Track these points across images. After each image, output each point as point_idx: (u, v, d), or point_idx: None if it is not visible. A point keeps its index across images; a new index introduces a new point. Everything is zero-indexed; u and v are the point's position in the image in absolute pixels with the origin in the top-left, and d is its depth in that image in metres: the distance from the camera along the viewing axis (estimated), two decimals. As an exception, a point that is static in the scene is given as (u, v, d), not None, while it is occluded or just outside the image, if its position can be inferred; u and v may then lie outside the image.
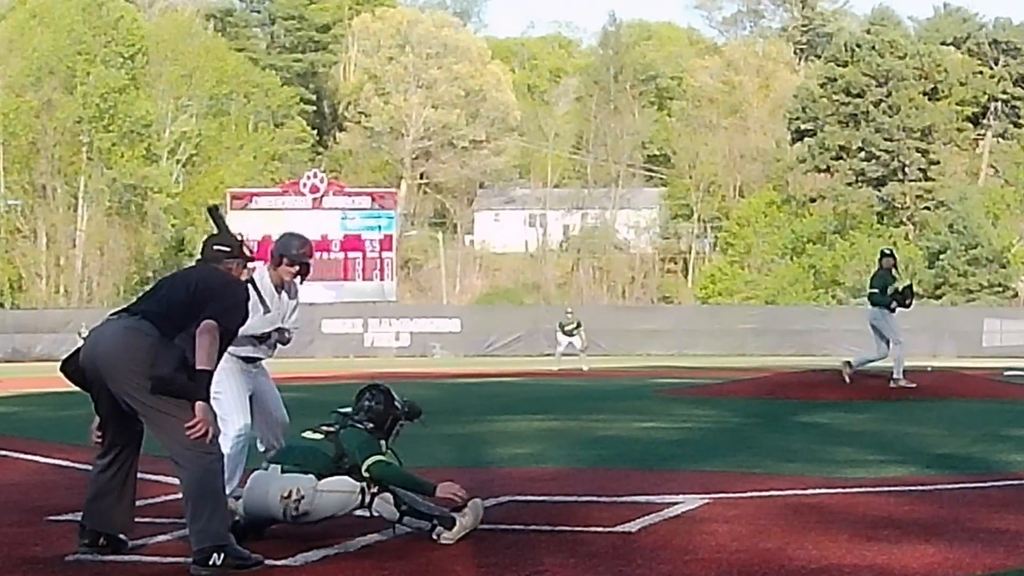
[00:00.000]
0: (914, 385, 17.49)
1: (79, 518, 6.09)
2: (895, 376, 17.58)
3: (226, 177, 63.27)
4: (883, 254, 18.16)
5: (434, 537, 6.21)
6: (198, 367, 5.64)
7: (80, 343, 6.10)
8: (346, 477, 6.25)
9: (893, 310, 17.55)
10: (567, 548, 6.06)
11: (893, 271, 17.96)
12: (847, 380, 17.61)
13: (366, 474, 6.26)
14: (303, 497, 6.10)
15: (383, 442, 6.56)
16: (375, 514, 6.26)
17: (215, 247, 6.24)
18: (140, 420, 5.85)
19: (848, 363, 18.05)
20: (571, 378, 27.24)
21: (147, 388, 5.63)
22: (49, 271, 60.41)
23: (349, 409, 6.68)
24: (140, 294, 6.12)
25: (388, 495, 6.26)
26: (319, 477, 6.20)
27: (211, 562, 5.55)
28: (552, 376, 28.77)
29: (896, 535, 6.33)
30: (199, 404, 5.64)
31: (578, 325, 32.85)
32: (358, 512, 6.28)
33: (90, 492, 6.02)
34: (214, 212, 6.69)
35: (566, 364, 32.69)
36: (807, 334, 48.08)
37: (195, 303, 5.80)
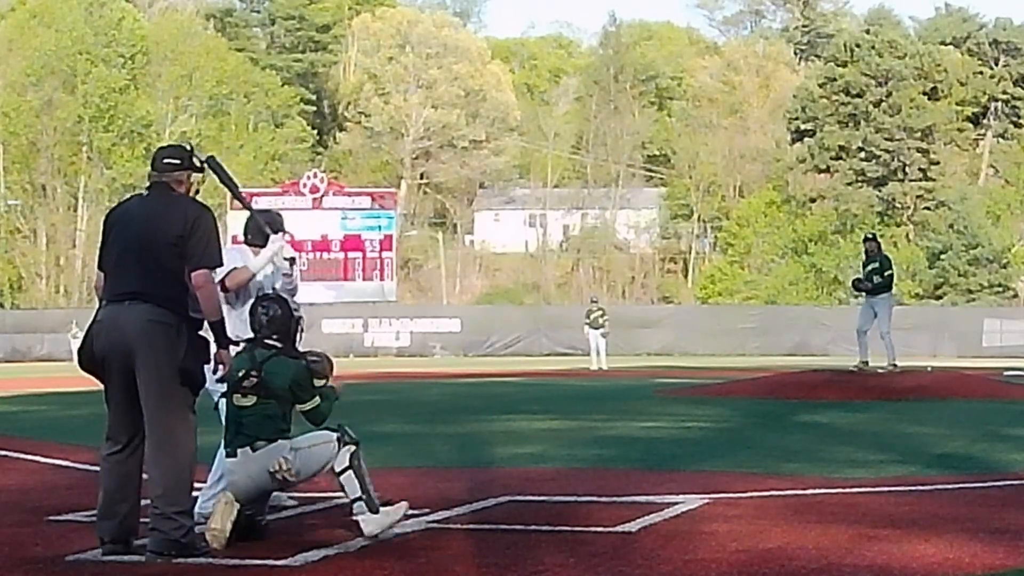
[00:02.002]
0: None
1: (98, 533, 6.01)
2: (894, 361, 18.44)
3: (226, 177, 63.24)
4: (864, 238, 19.18)
5: (353, 512, 6.20)
6: (210, 320, 5.92)
7: (75, 337, 6.17)
8: (318, 432, 6.33)
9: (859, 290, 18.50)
10: (567, 548, 6.06)
11: (872, 254, 18.78)
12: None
13: (302, 413, 6.37)
14: (290, 464, 6.15)
15: (301, 360, 6.48)
16: (341, 484, 6.26)
17: (165, 160, 6.11)
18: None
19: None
20: (584, 378, 27.23)
21: (171, 378, 5.77)
22: (49, 271, 60.46)
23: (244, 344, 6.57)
24: (120, 264, 5.97)
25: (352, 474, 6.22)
26: (287, 436, 6.30)
27: (170, 555, 5.76)
28: (554, 376, 28.77)
29: (896, 535, 6.33)
30: (222, 352, 6.03)
31: (603, 314, 32.49)
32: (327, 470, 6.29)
33: (108, 484, 5.96)
34: (212, 161, 6.70)
35: (585, 362, 32.45)
36: (807, 334, 48.09)
37: (181, 258, 5.87)
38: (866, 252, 18.97)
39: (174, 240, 5.86)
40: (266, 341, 6.46)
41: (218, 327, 5.97)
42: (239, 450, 6.27)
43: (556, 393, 20.92)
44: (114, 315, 5.88)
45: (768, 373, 22.82)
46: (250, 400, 6.30)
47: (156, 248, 5.89)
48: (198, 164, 6.18)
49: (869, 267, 18.74)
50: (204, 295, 5.86)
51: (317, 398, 6.43)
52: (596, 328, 32.02)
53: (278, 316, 6.50)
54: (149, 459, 5.89)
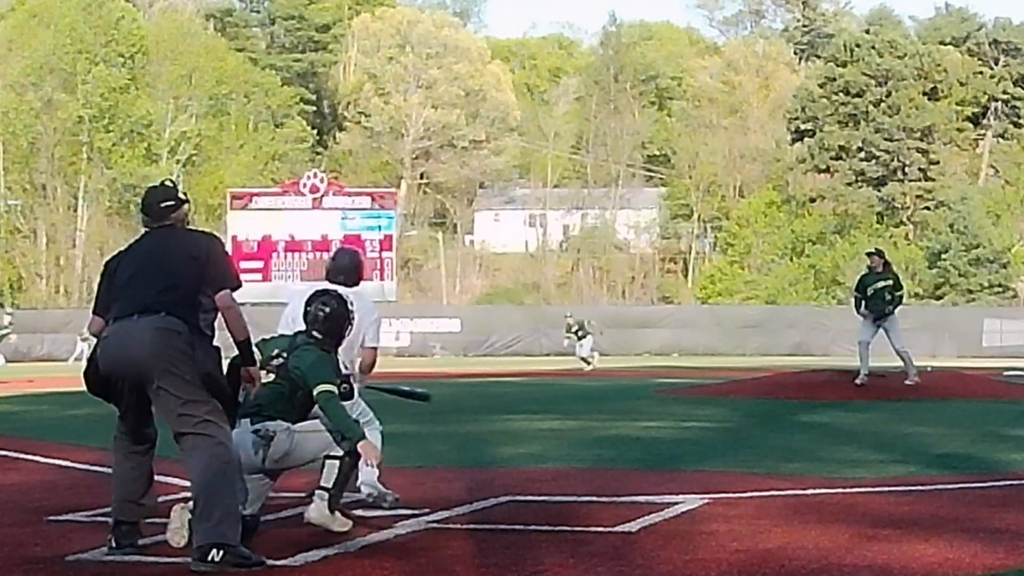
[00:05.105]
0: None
1: (110, 519, 6.06)
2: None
3: (226, 177, 63.25)
4: (868, 252, 18.31)
5: (314, 494, 6.33)
6: (238, 339, 5.94)
7: (80, 348, 6.15)
8: (323, 428, 6.34)
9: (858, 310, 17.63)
10: (567, 548, 6.06)
11: (878, 270, 17.63)
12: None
13: (316, 399, 6.35)
14: (273, 436, 6.20)
15: (333, 354, 6.58)
16: (322, 466, 6.36)
17: (162, 204, 6.08)
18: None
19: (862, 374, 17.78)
20: (584, 378, 27.23)
21: (188, 383, 5.68)
22: (49, 271, 60.44)
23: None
24: (131, 283, 5.94)
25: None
26: (291, 421, 6.33)
27: (209, 558, 5.55)
28: (554, 376, 28.77)
29: (896, 535, 6.33)
30: (250, 368, 6.09)
31: (581, 326, 32.44)
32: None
33: (119, 490, 6.02)
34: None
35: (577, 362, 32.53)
36: (807, 334, 48.08)
37: (197, 276, 5.86)
38: (869, 268, 17.62)
39: (190, 259, 5.88)
40: (313, 332, 6.57)
41: (246, 346, 6.02)
42: (241, 420, 6.33)
43: (556, 393, 20.92)
44: (121, 330, 5.79)
45: (768, 373, 22.83)
46: (270, 378, 6.45)
47: (171, 265, 5.89)
48: (184, 197, 6.22)
49: (881, 284, 17.32)
50: (231, 316, 5.88)
51: (331, 386, 6.36)
52: (580, 339, 32.24)
53: (332, 313, 6.62)
54: (187, 468, 5.82)
